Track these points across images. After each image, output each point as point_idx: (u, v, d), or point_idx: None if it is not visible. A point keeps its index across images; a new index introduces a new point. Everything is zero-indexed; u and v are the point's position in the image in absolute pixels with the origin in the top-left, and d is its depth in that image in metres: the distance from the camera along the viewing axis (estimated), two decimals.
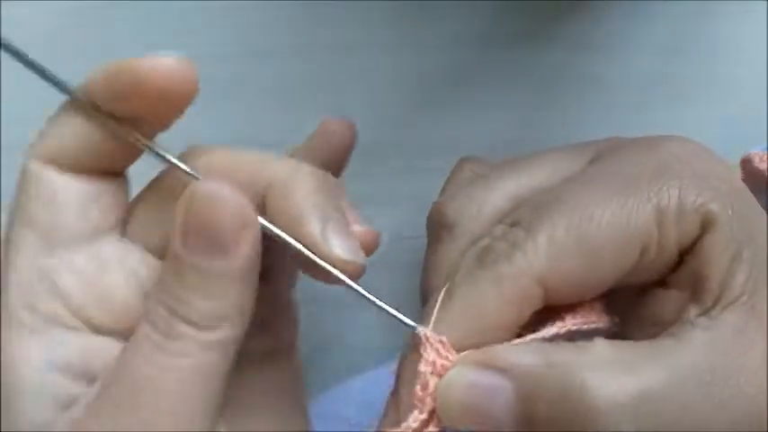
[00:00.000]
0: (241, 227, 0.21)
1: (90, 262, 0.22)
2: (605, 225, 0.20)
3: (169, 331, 0.21)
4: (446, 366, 0.20)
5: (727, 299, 0.20)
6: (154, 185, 0.24)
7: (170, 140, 0.36)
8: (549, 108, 0.36)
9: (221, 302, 0.21)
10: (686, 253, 0.21)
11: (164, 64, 0.22)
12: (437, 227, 0.23)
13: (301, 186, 0.22)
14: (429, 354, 0.20)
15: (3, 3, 0.36)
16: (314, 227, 0.21)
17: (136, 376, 0.20)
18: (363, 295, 0.21)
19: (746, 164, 0.32)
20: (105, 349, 0.22)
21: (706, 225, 0.20)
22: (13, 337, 0.21)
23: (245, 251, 0.21)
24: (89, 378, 0.22)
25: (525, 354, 0.20)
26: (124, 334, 0.22)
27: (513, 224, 0.21)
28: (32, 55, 0.36)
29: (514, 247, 0.20)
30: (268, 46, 0.36)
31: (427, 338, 0.20)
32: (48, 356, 0.21)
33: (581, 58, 0.36)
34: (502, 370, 0.19)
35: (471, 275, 0.21)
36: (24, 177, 0.23)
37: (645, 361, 0.19)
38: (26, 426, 0.21)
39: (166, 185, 0.24)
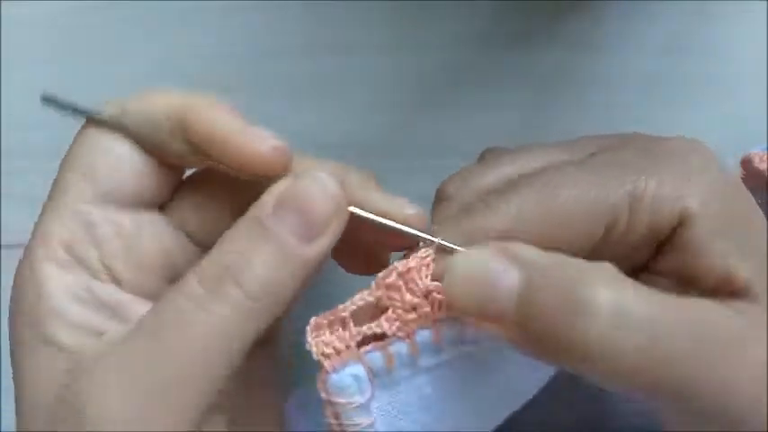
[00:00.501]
0: (333, 220, 0.22)
1: (130, 223, 0.23)
2: (572, 200, 0.21)
3: (216, 288, 0.21)
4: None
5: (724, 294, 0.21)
6: (201, 175, 0.25)
7: None
8: (548, 108, 0.36)
9: (279, 279, 0.21)
10: (665, 242, 0.21)
11: (264, 154, 0.22)
12: (436, 201, 0.25)
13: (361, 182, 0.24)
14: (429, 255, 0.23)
15: (3, 3, 0.36)
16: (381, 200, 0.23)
17: (170, 320, 0.21)
18: (429, 239, 0.23)
19: (746, 164, 0.32)
20: (121, 302, 0.23)
21: (684, 219, 0.21)
22: (45, 267, 0.22)
23: (325, 244, 0.22)
24: (113, 318, 0.22)
25: (539, 253, 0.20)
26: (141, 296, 0.23)
27: (496, 193, 0.23)
28: (32, 54, 0.36)
29: (488, 206, 0.22)
30: (268, 46, 0.36)
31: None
32: (75, 289, 0.22)
33: (581, 58, 0.36)
34: (513, 257, 0.20)
35: (453, 220, 0.22)
36: (85, 134, 0.24)
37: (658, 295, 0.20)
38: (55, 348, 0.21)
39: (214, 177, 0.25)
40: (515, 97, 0.36)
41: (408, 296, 0.22)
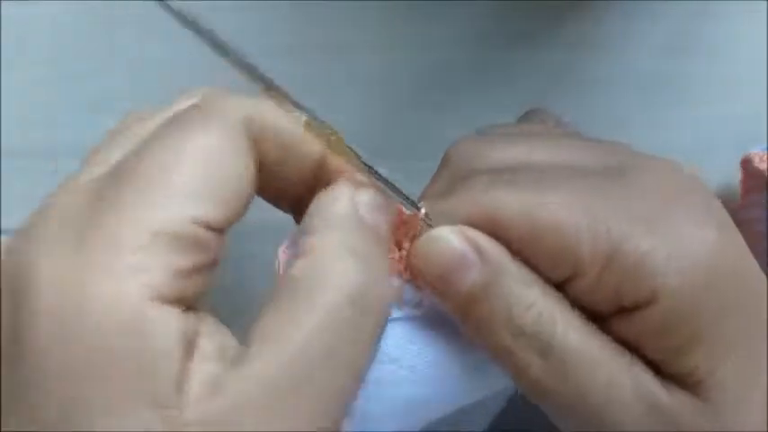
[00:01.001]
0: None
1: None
2: (543, 226, 0.20)
3: (362, 308, 0.20)
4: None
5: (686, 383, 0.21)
6: None
7: None
8: (548, 108, 0.36)
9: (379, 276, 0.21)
10: (630, 309, 0.20)
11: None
12: (440, 164, 0.25)
13: None
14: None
15: (3, 3, 0.36)
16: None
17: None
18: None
19: (746, 164, 0.32)
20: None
21: (653, 297, 0.20)
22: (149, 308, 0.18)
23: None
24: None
25: (505, 258, 0.21)
26: None
27: (489, 173, 0.23)
28: (32, 55, 0.36)
29: (473, 189, 0.22)
30: (261, 46, 0.35)
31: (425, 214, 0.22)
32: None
33: (581, 58, 0.36)
34: (480, 252, 0.21)
35: (441, 196, 0.23)
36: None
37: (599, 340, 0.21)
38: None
39: None
40: (514, 97, 0.36)
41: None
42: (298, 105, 0.23)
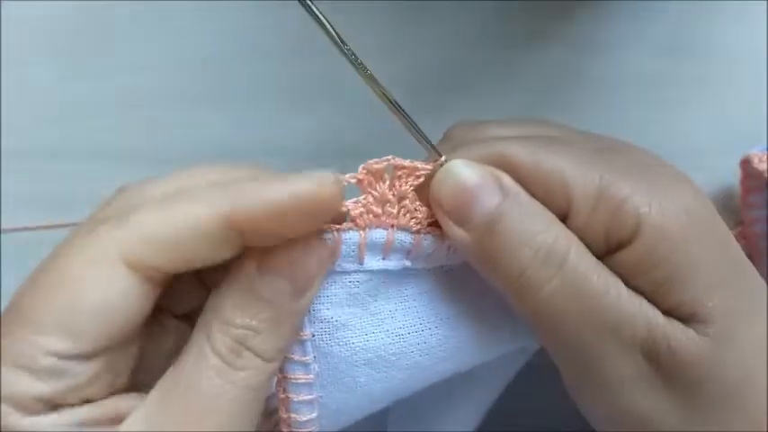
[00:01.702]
0: (319, 270, 0.23)
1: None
2: (554, 166, 0.23)
3: (235, 361, 0.22)
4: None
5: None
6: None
7: (171, 140, 0.36)
8: (549, 108, 0.36)
9: (284, 335, 0.23)
10: (617, 248, 0.22)
11: (327, 191, 0.21)
12: (442, 139, 0.27)
13: None
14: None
15: (3, 3, 0.36)
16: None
17: (198, 393, 0.21)
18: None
19: (746, 164, 0.32)
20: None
21: (635, 232, 0.22)
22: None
23: (314, 292, 0.23)
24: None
25: (521, 190, 0.23)
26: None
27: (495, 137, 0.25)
28: (32, 54, 0.36)
29: (485, 143, 0.24)
30: (265, 47, 0.36)
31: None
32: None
33: (581, 58, 0.36)
34: (501, 184, 0.23)
35: (452, 149, 0.24)
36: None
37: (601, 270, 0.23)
38: None
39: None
40: (515, 97, 0.36)
41: (386, 190, 0.23)
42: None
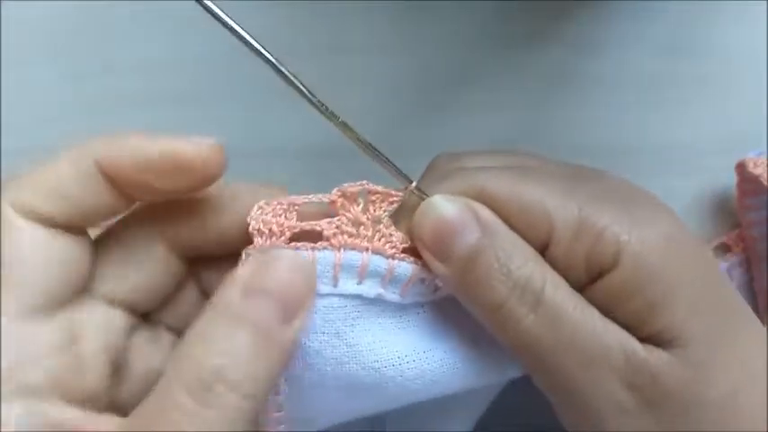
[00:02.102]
0: (308, 295, 0.22)
1: (65, 329, 0.22)
2: (533, 196, 0.23)
3: (207, 396, 0.20)
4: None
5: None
6: (115, 239, 0.24)
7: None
8: (549, 108, 0.36)
9: (267, 368, 0.21)
10: (598, 275, 0.22)
11: (203, 153, 0.22)
12: (425, 171, 0.27)
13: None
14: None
15: (3, 3, 0.36)
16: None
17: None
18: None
19: (741, 168, 0.32)
20: (75, 419, 0.21)
21: (616, 260, 0.22)
22: None
23: (305, 320, 0.22)
24: None
25: (499, 223, 0.23)
26: (94, 402, 0.22)
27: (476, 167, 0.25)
28: (32, 54, 0.36)
29: (464, 174, 0.24)
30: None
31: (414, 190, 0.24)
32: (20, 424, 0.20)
33: (581, 58, 0.36)
34: (479, 218, 0.23)
35: (432, 182, 0.25)
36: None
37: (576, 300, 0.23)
38: None
39: (129, 239, 0.24)
40: (516, 97, 0.36)
41: (360, 213, 0.23)
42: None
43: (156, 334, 0.25)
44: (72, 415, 0.21)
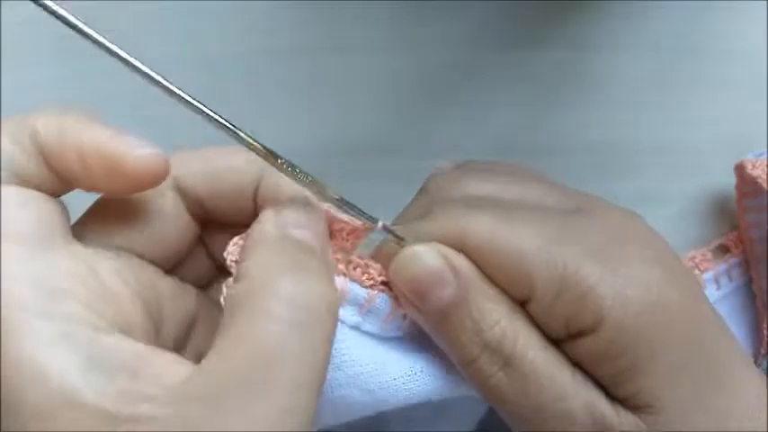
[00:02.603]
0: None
1: (76, 262, 0.21)
2: (508, 253, 0.23)
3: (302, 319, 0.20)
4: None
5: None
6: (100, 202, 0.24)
7: (172, 139, 0.37)
8: (549, 108, 0.36)
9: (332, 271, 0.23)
10: (578, 335, 0.22)
11: (144, 163, 0.21)
12: (418, 192, 0.27)
13: None
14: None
15: (3, 3, 0.36)
16: None
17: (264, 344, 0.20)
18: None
19: (740, 170, 0.32)
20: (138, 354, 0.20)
21: (597, 325, 0.22)
22: (29, 350, 0.18)
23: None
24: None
25: (477, 275, 0.23)
26: (128, 330, 0.21)
27: (463, 202, 0.25)
28: (32, 54, 0.36)
29: (443, 214, 0.24)
30: (267, 46, 0.36)
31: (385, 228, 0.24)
32: (82, 358, 0.18)
33: (581, 58, 0.36)
34: (455, 269, 0.23)
35: (412, 221, 0.25)
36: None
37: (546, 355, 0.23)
38: None
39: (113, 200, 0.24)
40: (515, 97, 0.36)
41: (333, 241, 0.23)
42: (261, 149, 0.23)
43: (181, 285, 0.25)
44: (133, 348, 0.19)
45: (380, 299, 0.24)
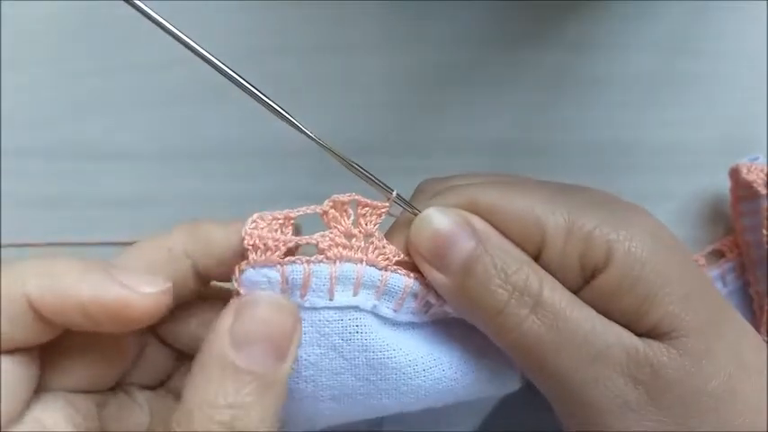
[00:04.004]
0: (295, 329, 0.22)
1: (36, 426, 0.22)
2: (520, 206, 0.24)
3: None
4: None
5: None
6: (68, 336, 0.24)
7: (171, 143, 0.36)
8: (548, 107, 0.36)
9: (273, 406, 0.21)
10: (593, 275, 0.23)
11: (151, 301, 0.22)
12: (413, 195, 0.27)
13: None
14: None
15: (3, 3, 0.36)
16: None
17: None
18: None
19: (735, 174, 0.32)
20: None
21: (608, 258, 0.23)
22: None
23: (295, 352, 0.22)
24: None
25: (493, 232, 0.24)
26: None
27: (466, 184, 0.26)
28: (32, 54, 0.36)
29: (453, 190, 0.25)
30: (271, 45, 0.36)
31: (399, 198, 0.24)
32: None
33: (581, 58, 0.36)
34: (473, 228, 0.24)
35: (424, 200, 0.25)
36: None
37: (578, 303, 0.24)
38: None
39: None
40: (515, 97, 0.36)
41: (351, 226, 0.24)
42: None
43: (128, 396, 0.25)
44: None
45: (394, 279, 0.24)
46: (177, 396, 0.24)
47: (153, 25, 0.35)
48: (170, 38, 0.35)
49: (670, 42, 0.36)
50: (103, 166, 0.36)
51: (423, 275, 0.24)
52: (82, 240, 0.35)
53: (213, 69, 0.34)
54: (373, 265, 0.24)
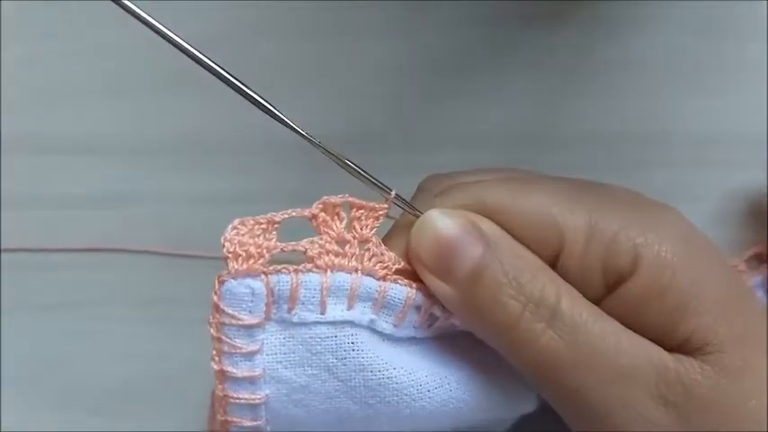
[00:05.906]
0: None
1: None
2: (535, 205, 0.23)
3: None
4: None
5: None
6: None
7: (169, 134, 0.35)
8: (568, 95, 0.35)
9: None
10: (617, 283, 0.22)
11: None
12: (414, 193, 0.26)
13: None
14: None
15: (2, 2, 0.36)
16: None
17: None
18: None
19: None
20: None
21: (634, 264, 0.22)
22: None
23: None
24: None
25: (503, 234, 0.23)
26: None
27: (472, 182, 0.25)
28: (32, 55, 0.36)
29: (460, 189, 0.24)
30: (265, 32, 0.35)
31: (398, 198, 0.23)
32: None
33: (597, 41, 0.34)
34: (480, 232, 0.22)
35: (428, 200, 0.24)
36: None
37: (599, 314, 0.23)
38: None
39: None
40: (530, 83, 0.35)
41: (343, 231, 0.23)
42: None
43: None
44: None
45: (395, 290, 0.23)
46: None
47: (155, 8, 0.35)
48: (173, 20, 0.34)
49: (688, 24, 0.34)
50: (96, 158, 0.35)
51: (426, 285, 0.23)
52: (41, 247, 0.35)
53: (213, 55, 0.34)
54: (370, 275, 0.23)
